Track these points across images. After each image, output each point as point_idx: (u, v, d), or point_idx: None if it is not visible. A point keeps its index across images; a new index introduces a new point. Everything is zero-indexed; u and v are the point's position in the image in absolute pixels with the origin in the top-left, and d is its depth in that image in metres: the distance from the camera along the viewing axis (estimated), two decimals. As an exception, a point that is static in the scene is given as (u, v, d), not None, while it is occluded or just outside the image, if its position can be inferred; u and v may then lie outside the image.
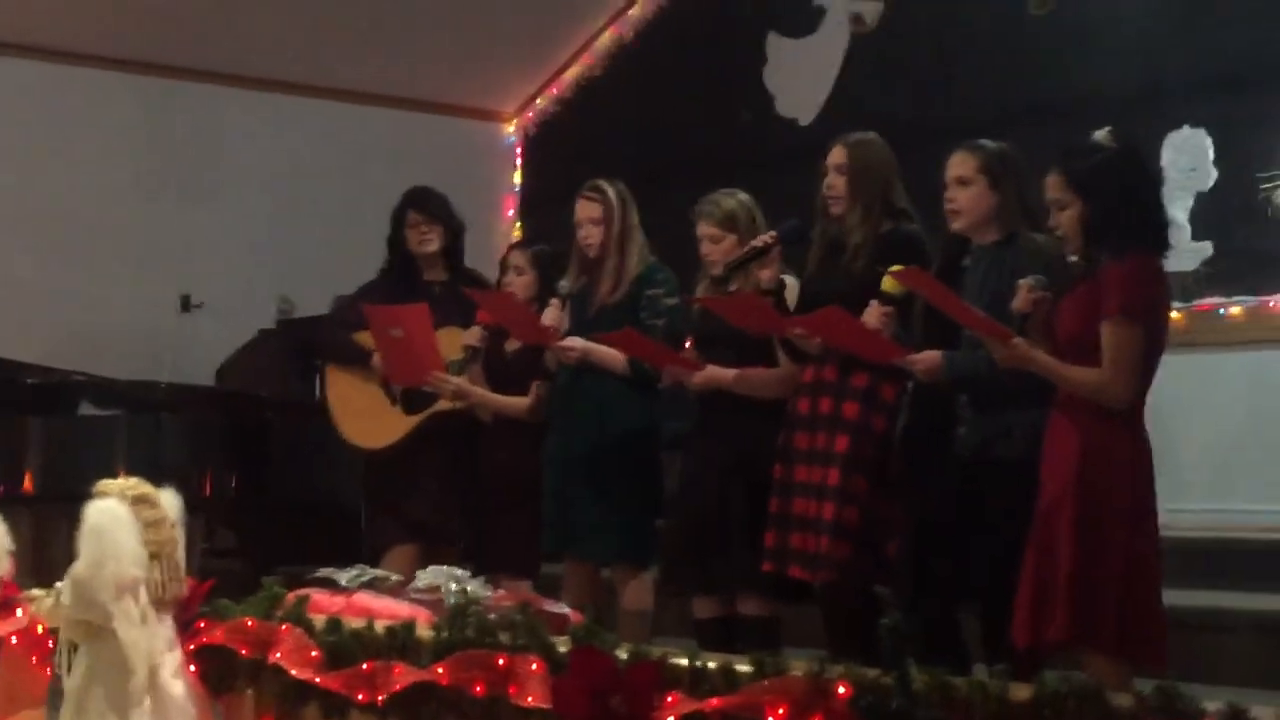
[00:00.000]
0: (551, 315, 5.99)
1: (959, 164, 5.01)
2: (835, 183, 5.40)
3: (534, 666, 3.83)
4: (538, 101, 11.77)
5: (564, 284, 6.07)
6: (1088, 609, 4.23)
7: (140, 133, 10.54)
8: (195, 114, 10.71)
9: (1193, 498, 7.28)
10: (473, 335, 6.23)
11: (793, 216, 5.58)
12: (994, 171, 4.98)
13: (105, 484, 4.48)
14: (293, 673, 4.40)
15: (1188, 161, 8.14)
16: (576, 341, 5.88)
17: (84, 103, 10.34)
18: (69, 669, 4.43)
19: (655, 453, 6.06)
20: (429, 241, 6.62)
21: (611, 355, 5.87)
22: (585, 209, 6.05)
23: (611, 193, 6.03)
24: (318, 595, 4.77)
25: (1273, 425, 7.80)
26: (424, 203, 6.66)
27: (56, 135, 10.23)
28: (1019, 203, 4.97)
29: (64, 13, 9.91)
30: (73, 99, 10.31)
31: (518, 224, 11.60)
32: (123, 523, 4.36)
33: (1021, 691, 3.10)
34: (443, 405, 6.38)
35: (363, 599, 4.75)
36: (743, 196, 5.74)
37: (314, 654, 4.37)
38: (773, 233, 5.50)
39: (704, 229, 5.69)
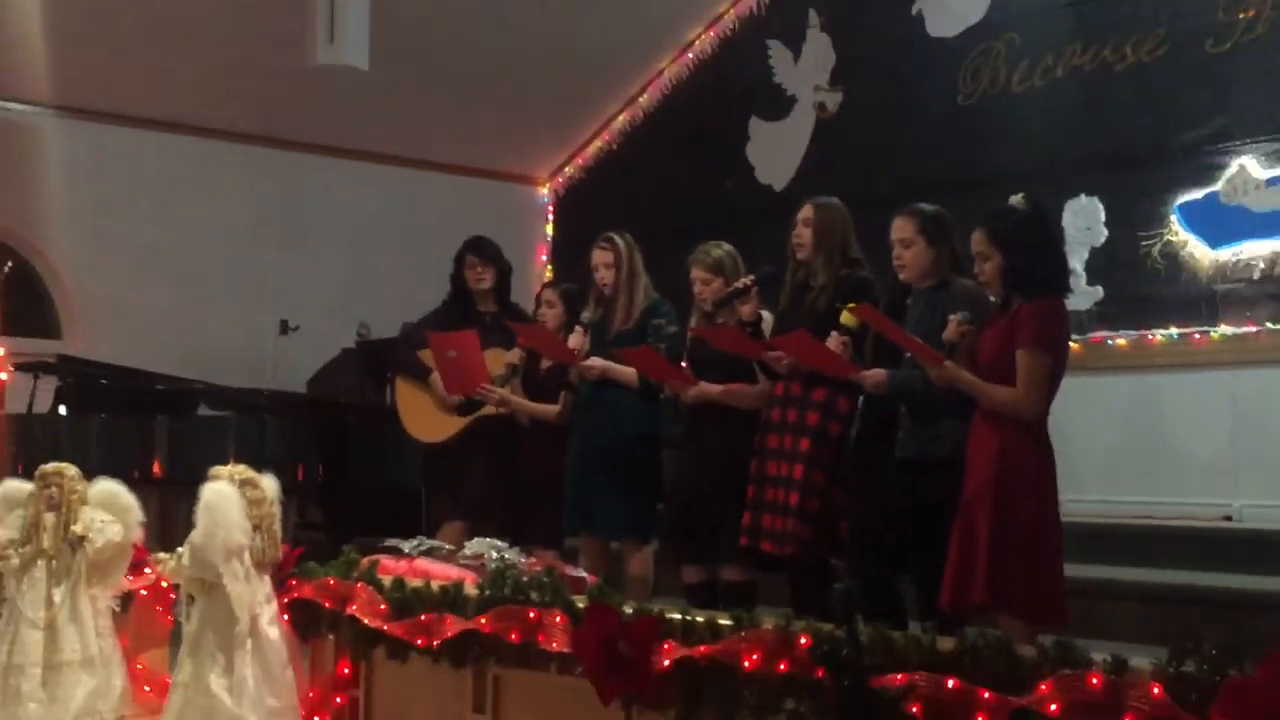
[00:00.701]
0: (576, 340, 5.98)
1: (901, 228, 4.97)
2: (803, 233, 5.40)
3: (558, 619, 3.83)
4: (566, 169, 11.81)
5: (586, 315, 6.06)
6: (1001, 578, 4.21)
7: (248, 191, 10.60)
8: (292, 176, 10.77)
9: (1086, 490, 7.30)
10: (514, 355, 6.24)
11: (766, 264, 5.59)
12: (929, 232, 4.94)
13: (217, 470, 4.49)
14: (365, 622, 4.40)
15: (1084, 222, 8.16)
16: (597, 361, 5.87)
17: (204, 168, 10.43)
18: (188, 616, 4.43)
19: (657, 451, 6.03)
20: (483, 280, 6.61)
21: (625, 372, 5.85)
22: (599, 255, 6.05)
23: (620, 242, 6.02)
24: (386, 560, 4.76)
25: (1150, 432, 7.82)
26: (481, 249, 6.65)
27: (181, 194, 10.34)
28: (951, 255, 4.96)
29: (189, 93, 9.97)
30: (195, 165, 10.39)
31: (549, 267, 11.61)
32: (231, 501, 4.37)
33: (947, 644, 3.09)
34: (488, 410, 6.38)
35: (422, 564, 4.75)
36: (728, 247, 5.73)
37: (382, 607, 4.37)
38: (751, 276, 5.51)
39: (696, 273, 5.68)
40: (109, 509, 4.80)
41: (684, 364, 5.76)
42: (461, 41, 9.94)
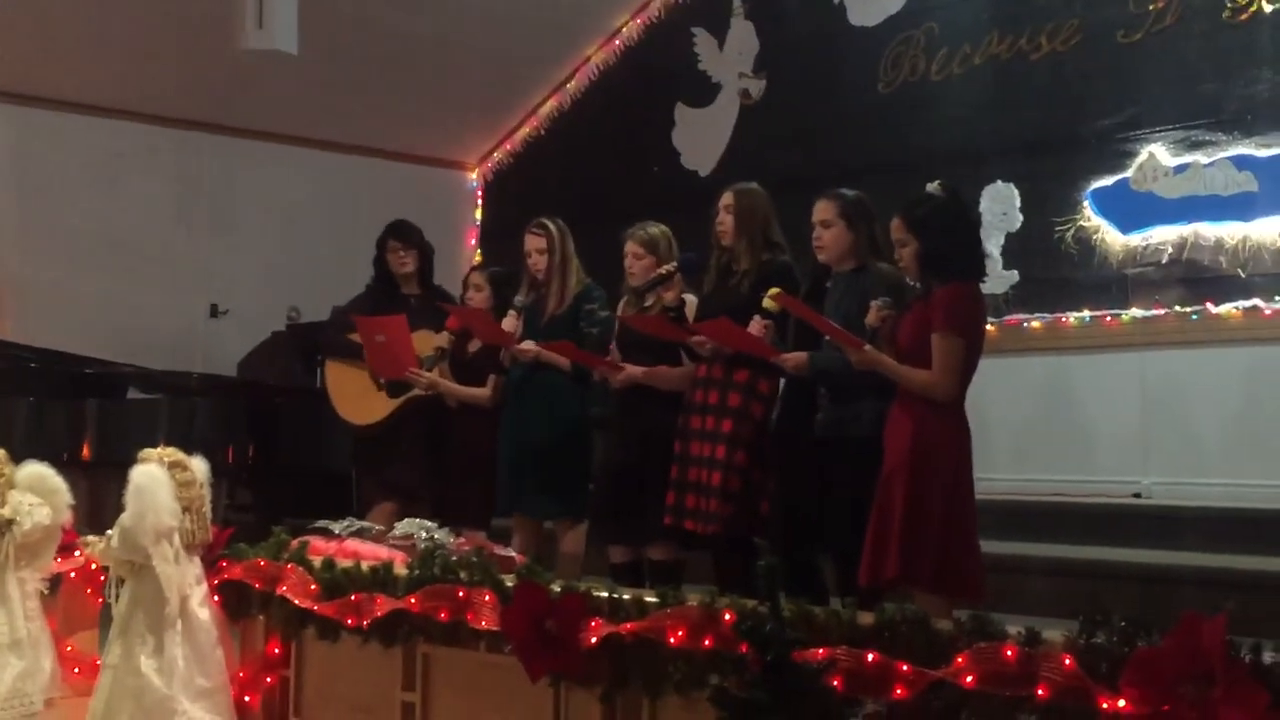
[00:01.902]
0: (510, 323, 5.97)
1: (822, 210, 5.01)
2: (725, 220, 5.42)
3: (487, 598, 3.83)
4: (495, 155, 11.75)
5: (519, 299, 6.05)
6: (913, 554, 4.24)
7: (177, 175, 10.47)
8: (221, 161, 10.64)
9: (1000, 469, 7.36)
10: (442, 338, 6.20)
11: (691, 250, 5.62)
12: (850, 215, 4.98)
13: (147, 452, 4.45)
14: (296, 602, 4.38)
15: (1000, 208, 8.23)
16: (530, 344, 5.86)
17: (132, 151, 10.26)
18: (117, 598, 4.39)
19: (588, 432, 6.04)
20: (406, 263, 6.58)
21: (557, 357, 5.86)
22: (532, 241, 6.04)
23: (553, 228, 6.02)
24: (316, 541, 4.74)
25: (1063, 412, 7.91)
26: (402, 232, 6.62)
27: (110, 178, 10.16)
28: (870, 239, 4.97)
29: (117, 78, 9.83)
30: (123, 148, 10.21)
31: (478, 251, 11.56)
32: (161, 483, 4.33)
33: (867, 619, 3.12)
34: (419, 392, 6.34)
35: (352, 544, 4.72)
36: (664, 228, 5.75)
37: (313, 587, 4.36)
38: (673, 264, 5.53)
39: (631, 247, 5.70)
40: (37, 491, 4.74)
41: (613, 347, 5.78)
42: (391, 27, 9.87)
